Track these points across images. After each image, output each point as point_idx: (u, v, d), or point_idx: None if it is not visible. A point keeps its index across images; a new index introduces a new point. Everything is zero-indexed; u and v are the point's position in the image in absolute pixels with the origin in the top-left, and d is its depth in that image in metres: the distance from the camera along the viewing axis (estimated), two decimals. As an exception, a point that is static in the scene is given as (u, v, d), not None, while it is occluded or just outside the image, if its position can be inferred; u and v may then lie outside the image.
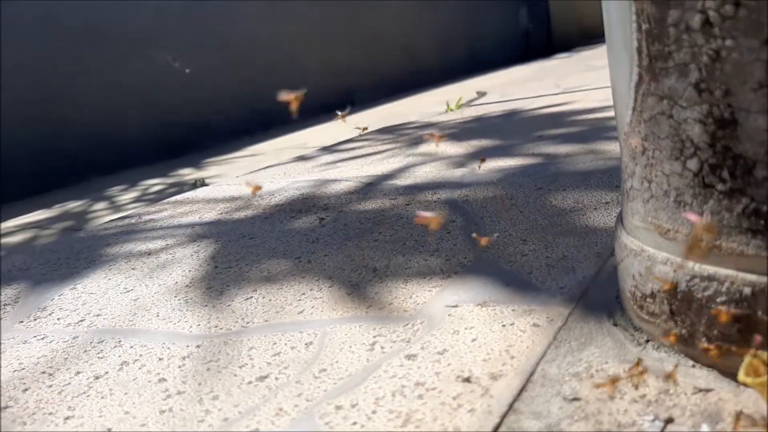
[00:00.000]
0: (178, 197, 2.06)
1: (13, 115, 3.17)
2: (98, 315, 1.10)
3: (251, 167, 2.69)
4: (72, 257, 1.52)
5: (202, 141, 4.00)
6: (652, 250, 0.68)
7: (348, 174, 1.95)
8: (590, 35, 8.56)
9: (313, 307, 0.96)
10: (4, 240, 2.21)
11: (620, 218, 0.78)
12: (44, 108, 3.30)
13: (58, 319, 1.12)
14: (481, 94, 3.84)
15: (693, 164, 0.62)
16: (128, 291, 1.19)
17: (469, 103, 3.52)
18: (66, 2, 3.42)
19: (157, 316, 1.04)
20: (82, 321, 1.09)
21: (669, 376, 0.64)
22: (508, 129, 2.31)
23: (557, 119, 2.31)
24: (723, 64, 0.58)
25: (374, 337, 0.83)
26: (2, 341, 1.07)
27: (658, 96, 0.64)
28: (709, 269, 0.63)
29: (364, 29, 5.34)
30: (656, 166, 0.66)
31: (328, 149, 2.65)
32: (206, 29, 4.07)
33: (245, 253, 1.30)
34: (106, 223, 1.86)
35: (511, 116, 2.67)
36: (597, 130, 1.94)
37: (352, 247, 1.22)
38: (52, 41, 3.33)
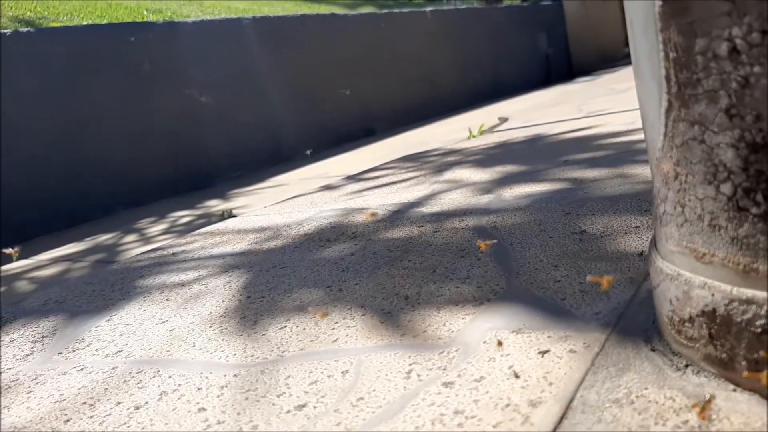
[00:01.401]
0: (208, 228, 2.09)
1: (40, 148, 3.27)
2: (135, 345, 1.12)
3: (277, 197, 2.72)
4: (107, 289, 1.55)
5: (228, 172, 4.07)
6: (688, 274, 0.68)
7: (374, 202, 1.97)
8: (609, 58, 8.58)
9: (347, 335, 0.97)
10: (39, 273, 2.26)
11: (654, 243, 0.78)
12: (70, 142, 3.39)
13: (96, 350, 1.15)
14: (503, 120, 3.86)
15: (727, 188, 0.63)
16: (164, 322, 1.21)
17: (491, 129, 3.54)
18: (92, 37, 3.54)
19: (194, 346, 1.06)
20: (120, 352, 1.11)
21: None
22: (532, 154, 2.32)
23: (582, 144, 2.32)
24: (752, 90, 0.59)
25: (410, 365, 0.83)
26: (42, 372, 1.10)
27: (689, 122, 0.65)
28: (747, 292, 0.63)
29: (386, 60, 5.43)
30: (689, 191, 0.67)
31: (352, 178, 2.68)
32: (231, 63, 4.17)
33: (277, 282, 1.32)
34: (138, 255, 1.90)
35: (534, 141, 2.68)
36: (623, 153, 1.94)
37: (382, 275, 1.23)
38: (79, 75, 3.44)
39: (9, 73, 3.15)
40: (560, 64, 7.80)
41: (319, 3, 7.08)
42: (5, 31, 3.24)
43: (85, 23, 4.07)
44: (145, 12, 4.75)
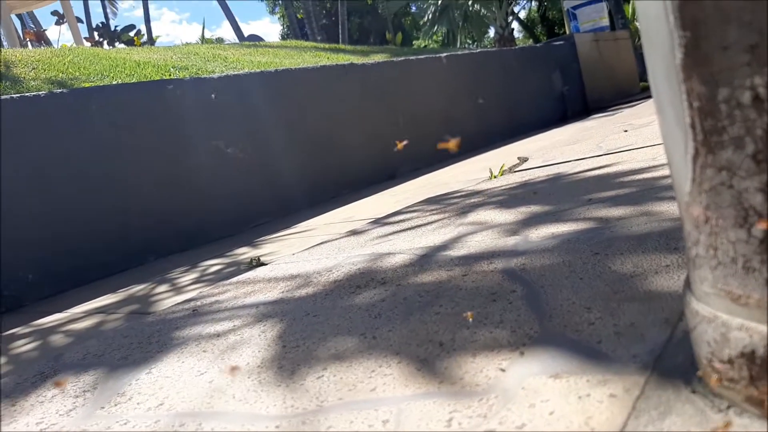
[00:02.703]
0: (240, 277, 2.13)
1: (73, 201, 3.37)
2: (176, 398, 1.14)
3: (304, 244, 2.76)
4: (144, 341, 1.58)
5: (255, 219, 4.14)
6: (725, 316, 0.69)
7: (401, 247, 1.99)
8: (625, 94, 8.63)
9: (384, 384, 0.98)
10: (74, 326, 2.31)
11: (688, 284, 0.79)
12: (101, 194, 3.49)
13: (138, 403, 1.17)
14: (523, 160, 3.89)
15: (758, 231, 0.64)
16: (202, 373, 1.24)
17: (512, 169, 3.57)
18: (122, 96, 3.67)
19: (234, 397, 1.08)
20: (161, 405, 1.13)
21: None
22: (555, 194, 2.34)
23: (605, 181, 2.33)
24: (778, 135, 0.61)
25: (450, 413, 0.84)
26: (86, 428, 1.12)
27: (717, 168, 0.67)
28: (787, 334, 0.63)
29: (404, 104, 5.53)
30: (721, 235, 0.68)
31: (378, 222, 2.71)
32: (255, 114, 4.29)
33: (311, 331, 1.34)
34: (173, 306, 1.94)
35: (556, 180, 2.70)
36: (647, 190, 1.95)
37: (414, 321, 1.24)
38: (111, 131, 3.57)
39: (44, 131, 3.28)
40: (576, 102, 7.86)
41: (337, 53, 7.27)
42: (40, 93, 3.39)
43: (115, 82, 4.24)
44: (171, 69, 4.93)
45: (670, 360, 0.84)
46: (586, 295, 1.16)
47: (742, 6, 0.61)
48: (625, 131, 3.99)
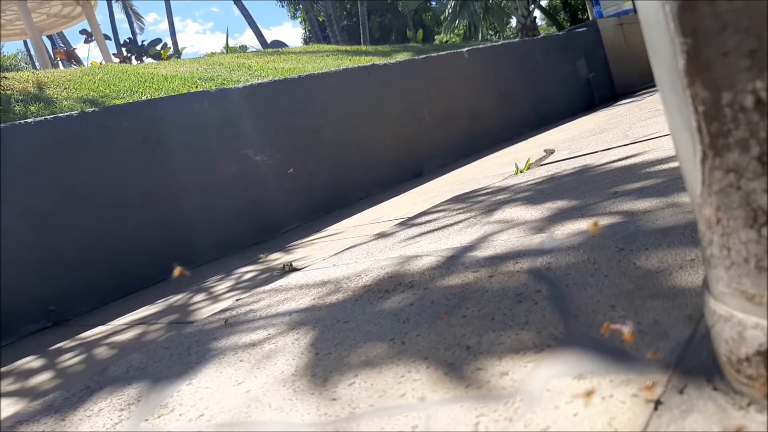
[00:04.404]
0: (273, 285, 2.18)
1: (110, 216, 3.48)
2: (216, 409, 1.19)
3: (334, 248, 2.81)
4: (183, 353, 1.64)
5: (286, 224, 4.21)
6: (741, 315, 0.70)
7: (428, 248, 2.01)
8: (651, 77, 8.47)
9: (413, 389, 1.01)
10: (117, 338, 2.40)
11: (706, 283, 0.80)
12: (138, 207, 3.59)
13: (180, 415, 1.22)
14: (549, 152, 3.87)
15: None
16: (239, 383, 1.28)
17: (538, 162, 3.56)
18: (152, 111, 3.77)
19: (270, 406, 1.12)
20: (202, 416, 1.18)
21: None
22: (581, 187, 2.33)
23: (631, 172, 2.31)
24: (782, 138, 0.62)
25: (477, 417, 0.87)
26: (134, 439, 1.18)
27: (724, 170, 0.68)
28: (802, 331, 0.64)
29: (429, 101, 5.53)
30: (732, 235, 0.69)
31: (405, 224, 2.74)
32: (282, 121, 4.35)
33: (342, 338, 1.38)
34: (210, 316, 2.00)
35: (583, 173, 2.68)
36: (673, 181, 1.93)
37: (442, 325, 1.27)
38: (144, 146, 3.67)
39: (82, 150, 3.40)
40: (603, 88, 7.75)
41: (359, 55, 7.31)
42: (73, 112, 3.50)
43: (144, 98, 4.35)
44: (198, 81, 5.03)
45: (692, 357, 0.85)
46: (610, 293, 1.17)
47: (740, 12, 0.62)
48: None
